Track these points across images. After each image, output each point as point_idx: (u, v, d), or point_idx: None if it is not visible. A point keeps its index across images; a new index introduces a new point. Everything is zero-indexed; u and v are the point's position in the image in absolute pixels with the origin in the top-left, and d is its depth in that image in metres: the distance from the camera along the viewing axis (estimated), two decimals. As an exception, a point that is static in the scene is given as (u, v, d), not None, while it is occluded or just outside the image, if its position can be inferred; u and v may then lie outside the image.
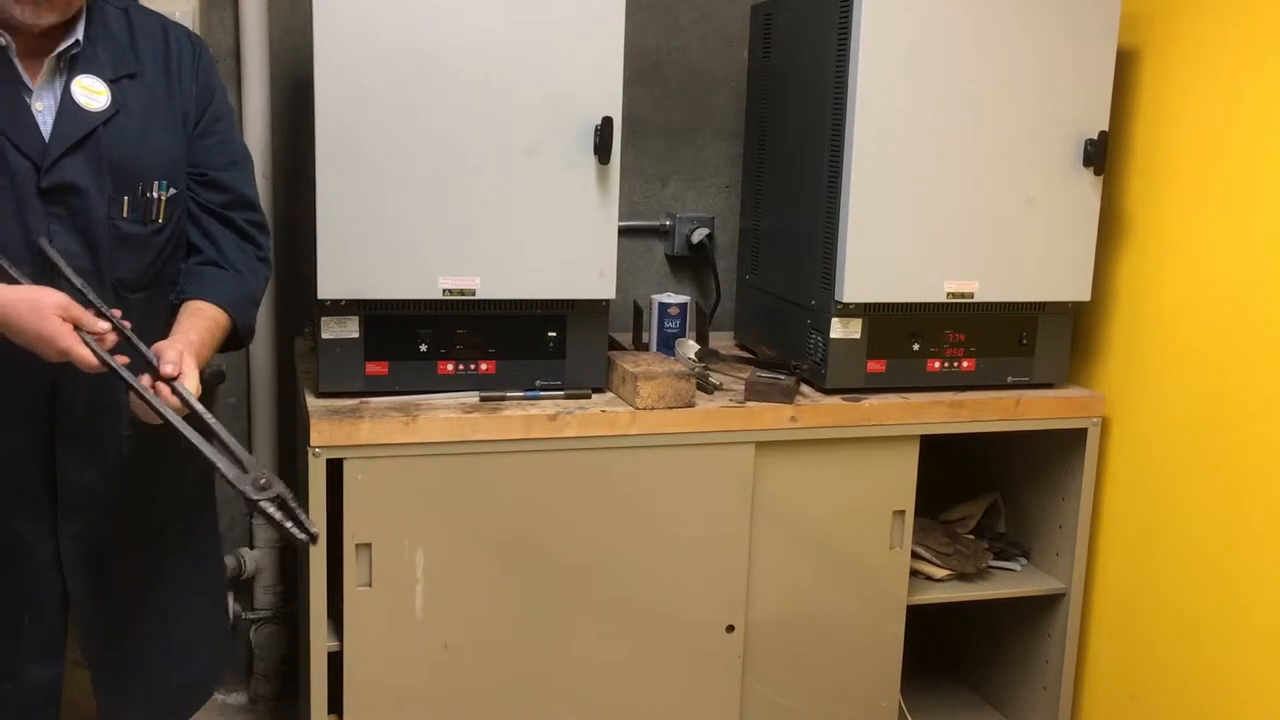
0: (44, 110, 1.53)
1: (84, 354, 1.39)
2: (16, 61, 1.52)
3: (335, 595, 2.02)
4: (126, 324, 1.46)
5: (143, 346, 1.46)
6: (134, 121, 1.59)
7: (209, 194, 1.70)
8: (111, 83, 1.58)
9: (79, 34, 1.56)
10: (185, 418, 1.43)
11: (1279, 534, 2.05)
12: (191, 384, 1.46)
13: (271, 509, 1.34)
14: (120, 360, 1.43)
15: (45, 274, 1.47)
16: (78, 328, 1.40)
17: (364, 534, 1.99)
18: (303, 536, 1.35)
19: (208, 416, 1.44)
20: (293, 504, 1.36)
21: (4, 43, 1.50)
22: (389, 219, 2.00)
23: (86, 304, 1.44)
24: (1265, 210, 2.08)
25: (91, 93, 1.55)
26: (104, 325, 1.43)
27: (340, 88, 1.95)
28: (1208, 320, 2.20)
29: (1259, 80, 2.09)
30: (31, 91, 1.53)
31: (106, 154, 1.55)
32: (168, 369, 1.45)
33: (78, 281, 1.44)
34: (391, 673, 2.05)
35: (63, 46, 1.54)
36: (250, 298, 1.74)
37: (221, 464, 1.37)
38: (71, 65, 1.56)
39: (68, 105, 1.53)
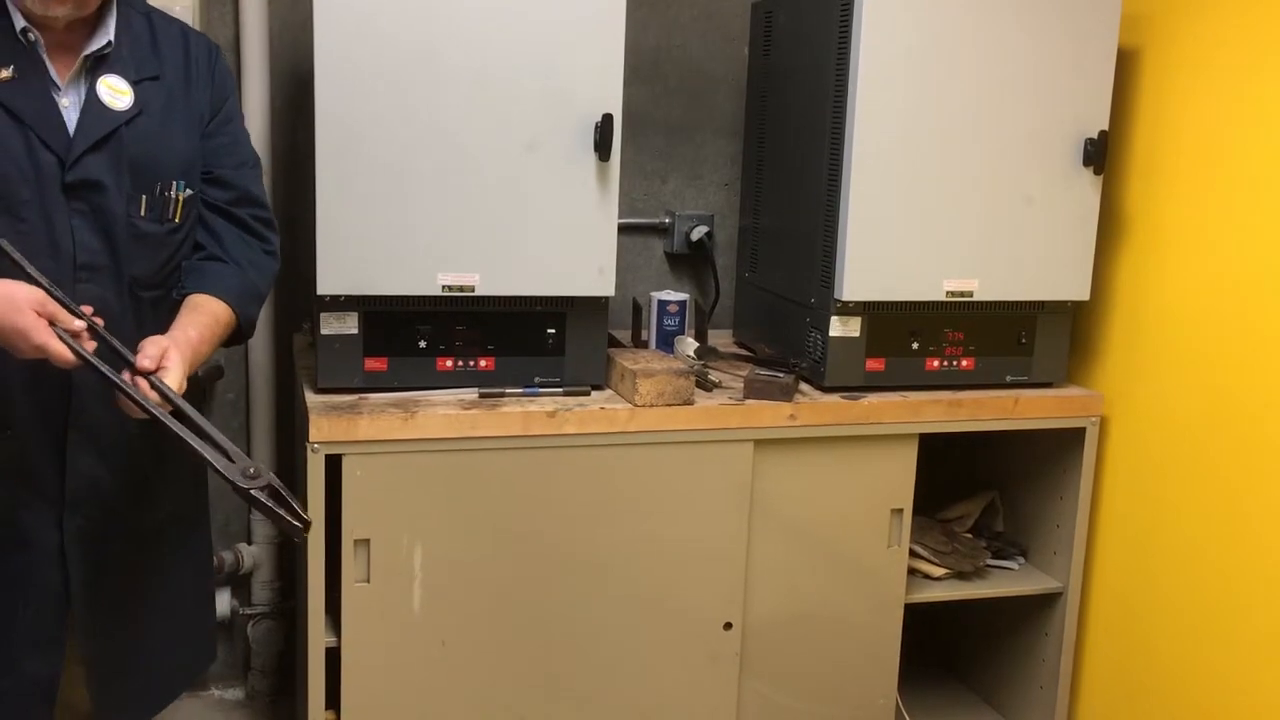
0: (69, 107, 1.56)
1: (60, 349, 1.39)
2: (46, 58, 1.54)
3: (333, 591, 2.02)
4: (99, 321, 1.46)
5: (118, 344, 1.46)
6: (155, 122, 1.62)
7: (214, 191, 1.72)
8: (135, 84, 1.61)
9: (110, 35, 1.59)
10: (171, 413, 1.42)
11: (1277, 534, 2.06)
12: (172, 379, 1.46)
13: (263, 497, 1.33)
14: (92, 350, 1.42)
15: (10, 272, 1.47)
16: (53, 324, 1.40)
17: (362, 530, 1.99)
18: (297, 524, 1.35)
19: (190, 410, 1.43)
20: (284, 492, 1.36)
21: (33, 38, 1.53)
22: (389, 215, 2.00)
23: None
24: (1265, 210, 2.08)
25: (116, 92, 1.58)
26: (80, 324, 1.42)
27: (340, 83, 1.95)
28: (1207, 320, 2.20)
29: (1259, 80, 2.09)
30: (59, 88, 1.56)
31: (127, 153, 1.58)
32: (144, 363, 1.45)
33: (44, 281, 1.44)
34: (389, 669, 2.05)
35: (96, 47, 1.58)
36: (253, 291, 1.75)
37: (209, 454, 1.36)
38: (96, 65, 1.59)
39: (93, 103, 1.57)
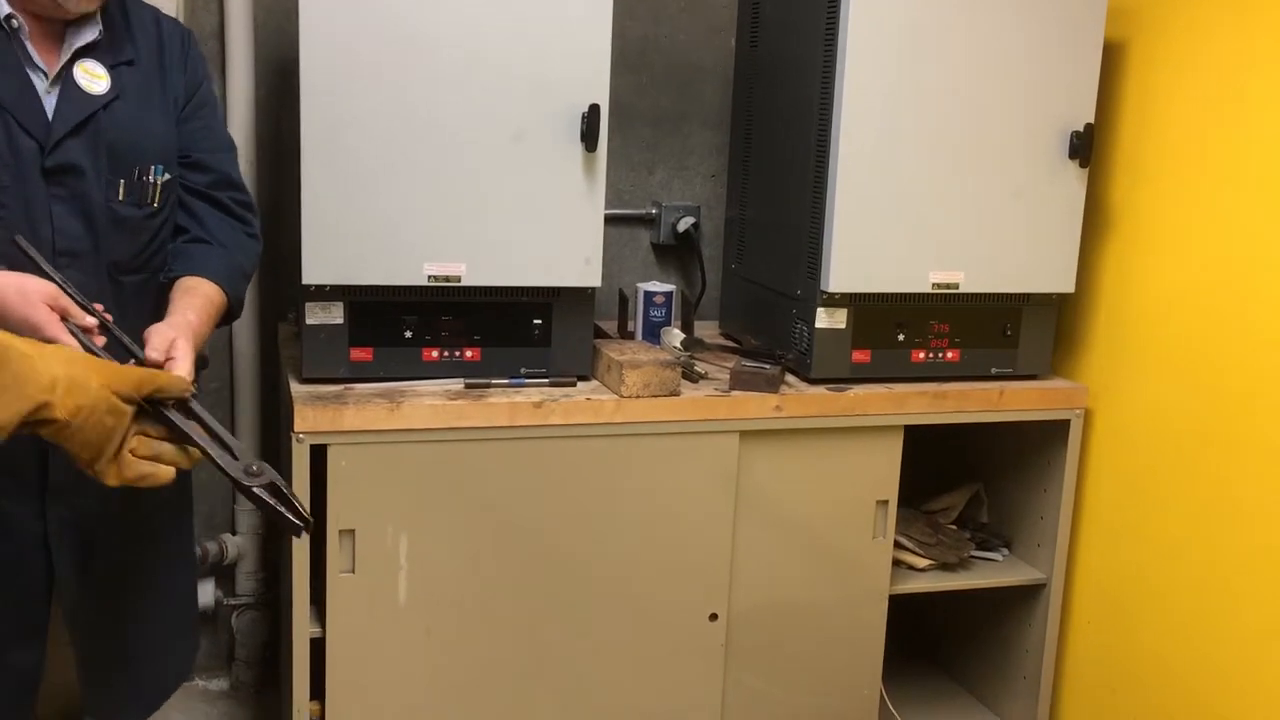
0: (47, 92, 1.56)
1: (71, 344, 1.39)
2: (29, 44, 1.54)
3: (318, 581, 2.01)
4: (108, 316, 1.46)
5: (126, 339, 1.45)
6: (131, 107, 1.62)
7: (194, 175, 1.73)
8: (110, 68, 1.61)
9: (100, 26, 1.59)
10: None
11: (1260, 526, 2.07)
12: (184, 369, 1.46)
13: (265, 495, 1.33)
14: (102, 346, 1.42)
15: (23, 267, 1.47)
16: (65, 319, 1.40)
17: (347, 520, 1.99)
18: (298, 523, 1.34)
19: (197, 407, 1.42)
20: (286, 490, 1.35)
21: (17, 25, 1.53)
22: (375, 204, 1.99)
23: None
24: (1249, 204, 2.09)
25: (93, 77, 1.59)
26: (91, 320, 1.42)
27: (326, 71, 1.94)
28: (1191, 313, 2.21)
29: (1244, 75, 2.10)
30: (43, 73, 1.56)
31: (105, 137, 1.58)
32: (153, 354, 1.44)
33: (57, 278, 1.43)
34: (374, 659, 2.05)
35: (89, 40, 1.58)
36: (240, 271, 1.76)
37: (213, 451, 1.36)
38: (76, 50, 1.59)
39: (70, 88, 1.57)
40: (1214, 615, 2.16)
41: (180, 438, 1.32)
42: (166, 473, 1.27)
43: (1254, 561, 2.08)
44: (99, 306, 1.46)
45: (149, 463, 1.26)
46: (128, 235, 1.63)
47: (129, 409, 1.22)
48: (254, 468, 1.34)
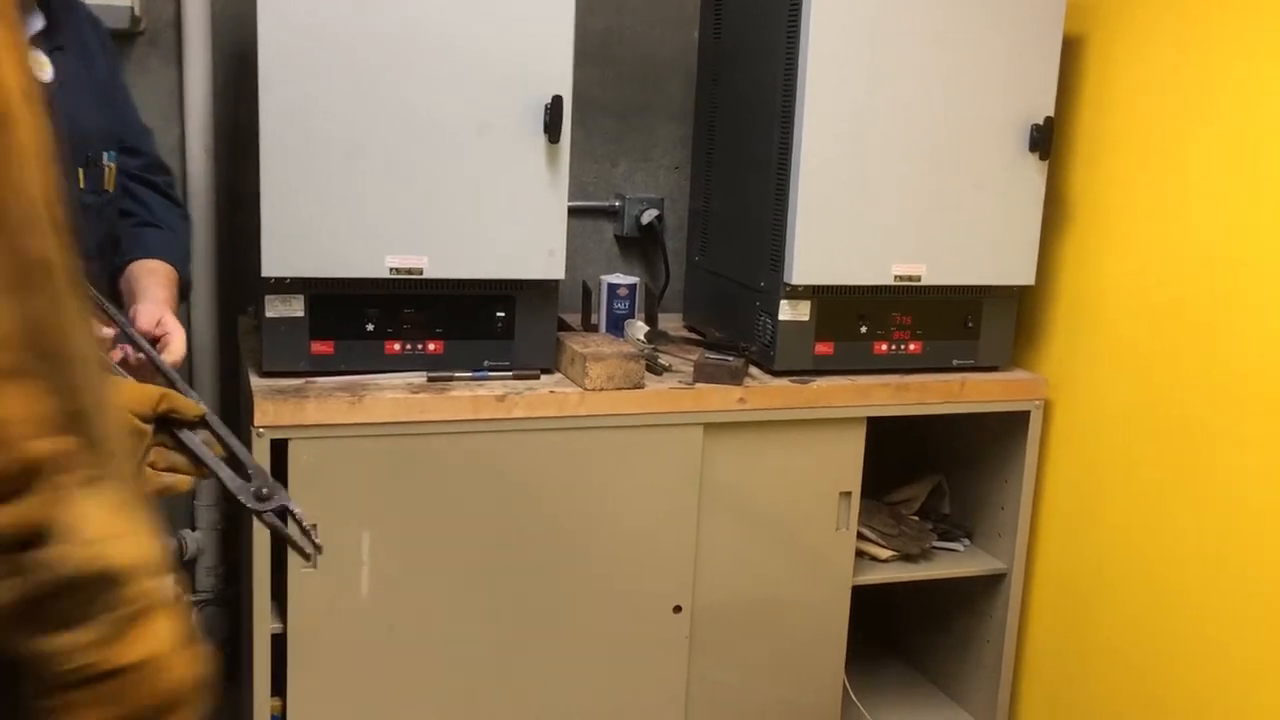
0: None
1: None
2: None
3: (279, 577, 2.00)
4: (119, 316, 1.45)
5: (142, 341, 1.43)
6: (73, 93, 1.61)
7: (128, 160, 1.74)
8: (47, 54, 1.58)
9: (43, 18, 1.57)
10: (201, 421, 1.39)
11: (1215, 517, 2.09)
12: (177, 342, 1.47)
13: (277, 521, 1.30)
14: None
15: None
16: None
17: (309, 515, 1.96)
18: (310, 551, 1.31)
19: (211, 418, 1.38)
20: (297, 515, 1.31)
21: None
22: (335, 196, 1.98)
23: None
24: (1205, 197, 2.11)
25: (39, 64, 1.57)
26: (109, 331, 1.40)
27: (285, 61, 1.92)
28: (1148, 305, 2.23)
29: (1200, 68, 2.12)
30: None
31: (58, 124, 1.55)
32: (144, 325, 1.46)
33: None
34: (335, 655, 2.04)
35: (38, 28, 1.56)
36: (187, 252, 1.81)
37: (222, 473, 1.32)
38: None
39: None
40: (1169, 605, 2.19)
41: (189, 457, 1.30)
42: (185, 483, 1.26)
43: (1209, 552, 2.10)
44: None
45: (169, 475, 1.25)
46: (91, 224, 1.62)
47: (149, 428, 1.21)
48: (264, 490, 1.30)
